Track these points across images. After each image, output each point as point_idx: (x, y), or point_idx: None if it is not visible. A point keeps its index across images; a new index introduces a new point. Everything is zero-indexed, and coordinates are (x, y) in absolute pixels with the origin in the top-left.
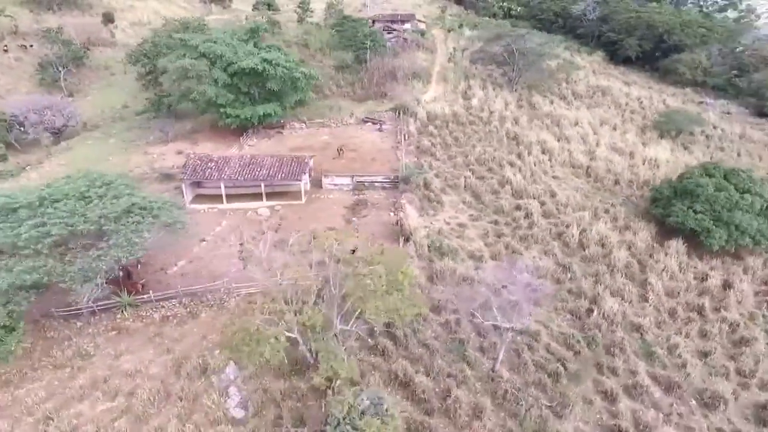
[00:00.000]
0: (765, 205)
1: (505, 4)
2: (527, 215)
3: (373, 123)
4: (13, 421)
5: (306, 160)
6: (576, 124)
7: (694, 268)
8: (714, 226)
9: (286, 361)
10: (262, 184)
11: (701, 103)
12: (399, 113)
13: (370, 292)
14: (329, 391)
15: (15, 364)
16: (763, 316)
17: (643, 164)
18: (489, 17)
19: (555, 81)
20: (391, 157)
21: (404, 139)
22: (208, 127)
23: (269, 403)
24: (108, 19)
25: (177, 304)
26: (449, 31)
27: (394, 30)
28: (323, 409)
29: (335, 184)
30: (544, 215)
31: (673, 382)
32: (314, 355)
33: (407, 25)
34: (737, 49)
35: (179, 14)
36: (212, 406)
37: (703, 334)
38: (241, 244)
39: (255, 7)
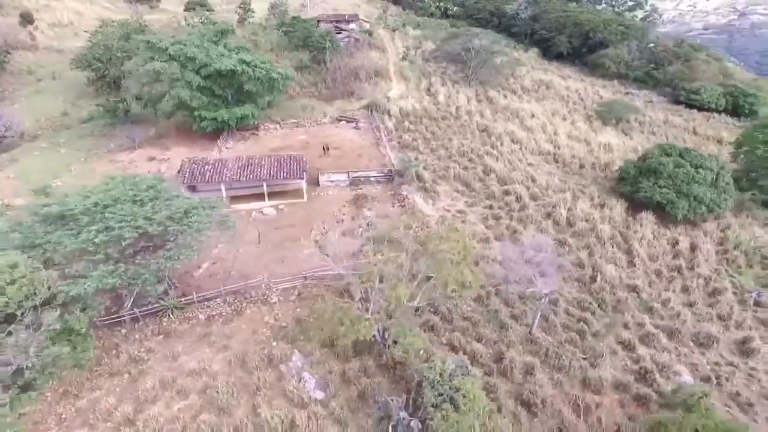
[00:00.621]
0: (714, 178)
1: (441, 3)
2: (517, 199)
3: (348, 121)
4: (89, 429)
5: (304, 159)
6: (532, 115)
7: (665, 235)
8: (677, 198)
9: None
10: (264, 184)
11: (627, 93)
12: (371, 111)
13: (448, 262)
14: (398, 365)
15: (68, 374)
16: (726, 270)
17: (599, 149)
18: (427, 17)
19: (503, 77)
20: (375, 153)
21: (384, 135)
22: (175, 132)
23: (344, 383)
24: (26, 20)
25: (222, 303)
26: (394, 30)
27: (344, 30)
28: (402, 381)
29: (332, 181)
30: (531, 198)
31: (674, 329)
32: (382, 333)
33: (353, 25)
34: (650, 45)
35: (104, 15)
36: (293, 390)
37: (685, 289)
38: (322, 233)
39: (188, 8)
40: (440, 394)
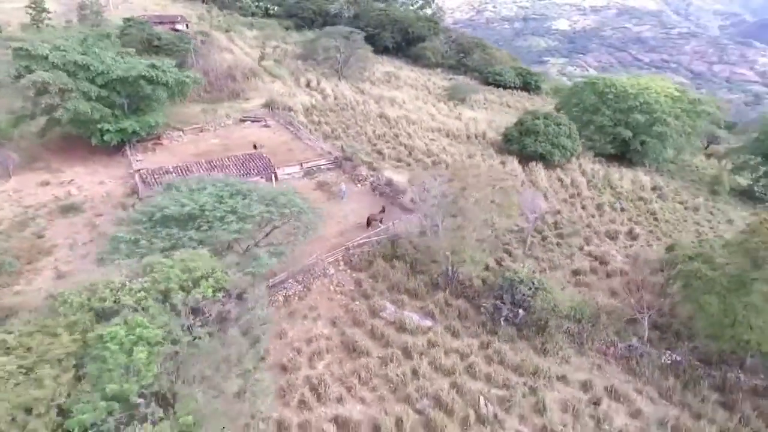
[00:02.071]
0: (567, 131)
1: (261, 3)
2: (447, 166)
3: (253, 121)
4: None
5: (265, 156)
6: (404, 101)
7: (551, 175)
8: (552, 149)
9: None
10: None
11: (450, 78)
12: (271, 108)
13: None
14: (469, 288)
15: None
16: (599, 191)
17: (471, 122)
18: (248, 16)
19: (362, 71)
20: (301, 146)
21: (302, 129)
22: (58, 150)
23: (440, 313)
24: None
25: (294, 283)
26: (227, 31)
27: (178, 31)
28: (477, 297)
29: (288, 174)
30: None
31: (610, 230)
32: (453, 266)
33: (180, 27)
34: (452, 38)
35: None
36: (408, 323)
37: (583, 207)
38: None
39: None
40: (531, 287)
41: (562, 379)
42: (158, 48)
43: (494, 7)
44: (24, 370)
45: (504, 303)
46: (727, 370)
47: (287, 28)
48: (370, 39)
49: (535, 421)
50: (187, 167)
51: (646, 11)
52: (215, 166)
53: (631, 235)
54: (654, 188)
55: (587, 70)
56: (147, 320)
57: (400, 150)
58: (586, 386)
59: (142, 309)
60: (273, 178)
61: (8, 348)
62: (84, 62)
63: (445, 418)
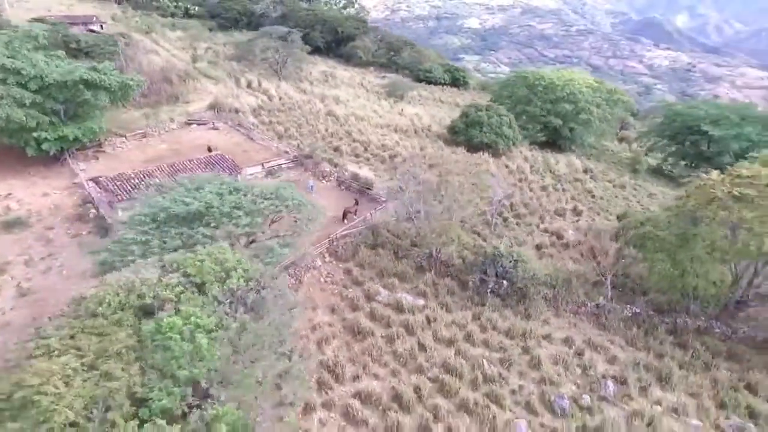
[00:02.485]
0: (508, 122)
1: (181, 3)
2: (404, 158)
3: (199, 124)
4: None
5: (228, 157)
6: (348, 100)
7: (498, 163)
8: (497, 138)
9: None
10: None
11: (384, 77)
12: (216, 111)
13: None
14: (452, 266)
15: None
16: (541, 175)
17: (415, 118)
18: (167, 17)
19: (298, 70)
20: (256, 147)
21: (253, 129)
22: None
23: (426, 289)
24: None
25: (286, 276)
26: (147, 33)
27: (95, 32)
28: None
29: (251, 174)
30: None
31: (558, 209)
32: (437, 248)
33: (94, 28)
34: (380, 37)
35: None
36: (407, 304)
37: (531, 189)
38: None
39: None
40: (511, 260)
41: (547, 337)
42: (77, 51)
43: (408, 6)
44: (86, 367)
45: (489, 276)
46: (677, 317)
47: (211, 29)
48: (284, 39)
49: (533, 375)
50: (150, 173)
51: (547, 10)
52: (178, 170)
53: (576, 212)
54: (585, 170)
55: (499, 66)
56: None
57: (355, 146)
58: (568, 342)
59: (187, 300)
60: (238, 179)
61: (54, 350)
62: (13, 66)
63: (457, 381)
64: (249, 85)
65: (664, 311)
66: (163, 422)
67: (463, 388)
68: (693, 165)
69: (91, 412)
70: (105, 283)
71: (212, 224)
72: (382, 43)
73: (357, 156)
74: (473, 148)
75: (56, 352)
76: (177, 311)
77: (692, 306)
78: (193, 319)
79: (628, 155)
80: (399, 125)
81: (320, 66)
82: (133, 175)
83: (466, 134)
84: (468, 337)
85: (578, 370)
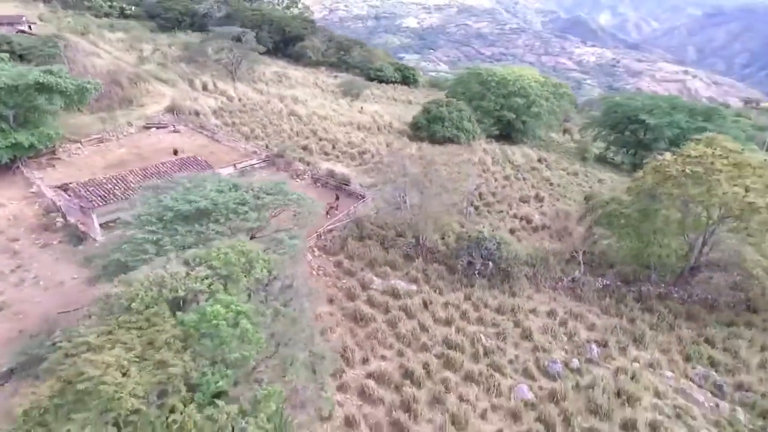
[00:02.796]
0: (468, 116)
1: (116, 3)
2: (374, 155)
3: (158, 127)
4: None
5: (200, 158)
6: (306, 100)
7: (461, 155)
8: (458, 132)
9: None
10: None
11: (336, 76)
12: (175, 113)
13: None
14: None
15: None
16: (502, 166)
17: (376, 115)
18: (101, 17)
19: (251, 71)
20: (222, 148)
21: (216, 131)
22: None
23: (417, 275)
24: None
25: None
26: (83, 34)
27: (25, 33)
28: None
29: (224, 175)
30: (379, 152)
31: (522, 196)
32: (422, 236)
33: (23, 28)
34: (329, 37)
35: None
36: (402, 290)
37: (495, 179)
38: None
39: None
40: (494, 243)
41: (533, 311)
42: (11, 54)
43: (346, 6)
44: (137, 359)
45: (475, 259)
46: (641, 285)
47: (152, 30)
48: (238, 39)
49: (526, 345)
50: (122, 177)
51: (482, 9)
52: (152, 174)
53: (538, 198)
54: (539, 160)
55: (438, 65)
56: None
57: (323, 144)
58: (551, 314)
59: (217, 291)
60: None
61: (95, 346)
62: None
63: (460, 355)
64: (204, 87)
65: (630, 281)
66: (222, 402)
67: (466, 361)
68: (633, 152)
69: (150, 399)
70: (126, 282)
71: (221, 220)
72: (332, 43)
73: (326, 154)
74: (436, 142)
75: (97, 348)
76: (217, 301)
77: (653, 275)
78: (233, 306)
79: (573, 145)
80: (361, 123)
81: (272, 67)
82: (105, 180)
83: (428, 129)
84: (463, 316)
85: (564, 338)
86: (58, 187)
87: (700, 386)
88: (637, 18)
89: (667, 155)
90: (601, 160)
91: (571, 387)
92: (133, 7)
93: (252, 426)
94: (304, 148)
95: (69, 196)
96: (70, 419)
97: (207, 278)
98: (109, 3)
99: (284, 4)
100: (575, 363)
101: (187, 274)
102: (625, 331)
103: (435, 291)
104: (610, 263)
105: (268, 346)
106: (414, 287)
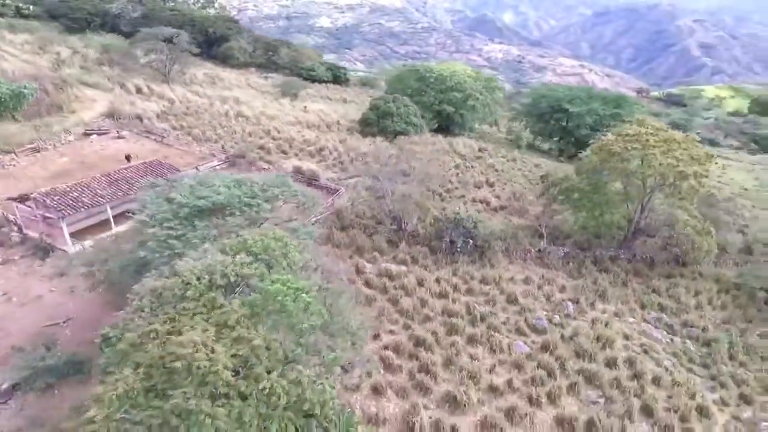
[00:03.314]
0: (414, 111)
1: (9, 2)
2: (332, 151)
3: (99, 134)
4: None
5: (163, 162)
6: (247, 101)
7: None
8: (407, 126)
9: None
10: None
11: (266, 77)
12: (115, 118)
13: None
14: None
15: None
16: (451, 156)
17: (321, 113)
18: None
19: (178, 73)
20: (175, 152)
21: (165, 135)
22: None
23: (405, 257)
24: None
25: None
26: None
27: None
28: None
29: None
30: (335, 148)
31: (476, 182)
32: (402, 221)
33: None
34: (253, 37)
35: None
36: (395, 271)
37: (447, 169)
38: None
39: None
40: (471, 222)
41: (512, 279)
42: None
43: (255, 5)
44: (215, 338)
45: (457, 238)
46: (594, 251)
47: (59, 32)
48: (169, 40)
49: (513, 308)
50: (87, 184)
51: (393, 8)
52: (117, 180)
53: (489, 183)
54: (480, 149)
55: (355, 64)
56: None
57: (279, 143)
58: (527, 280)
59: (262, 275)
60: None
61: (171, 331)
62: None
63: (460, 321)
64: (139, 90)
65: (585, 248)
66: (300, 367)
67: (466, 326)
68: (558, 139)
69: (238, 372)
70: (176, 273)
71: (236, 213)
72: (258, 44)
73: (285, 152)
74: (387, 137)
75: (174, 333)
76: (274, 281)
77: (603, 242)
78: (290, 284)
79: (502, 136)
80: (309, 121)
81: (201, 68)
82: (69, 189)
83: (378, 125)
84: (455, 289)
85: (543, 299)
86: (12, 199)
87: (656, 327)
88: (536, 17)
89: (609, 135)
90: (530, 147)
91: (558, 338)
92: (30, 7)
93: (327, 386)
94: (261, 147)
95: (29, 207)
96: (166, 396)
97: (252, 263)
98: (2, 2)
99: (200, 4)
100: (557, 319)
101: (233, 261)
102: (590, 289)
103: (425, 269)
104: (566, 234)
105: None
106: (404, 268)
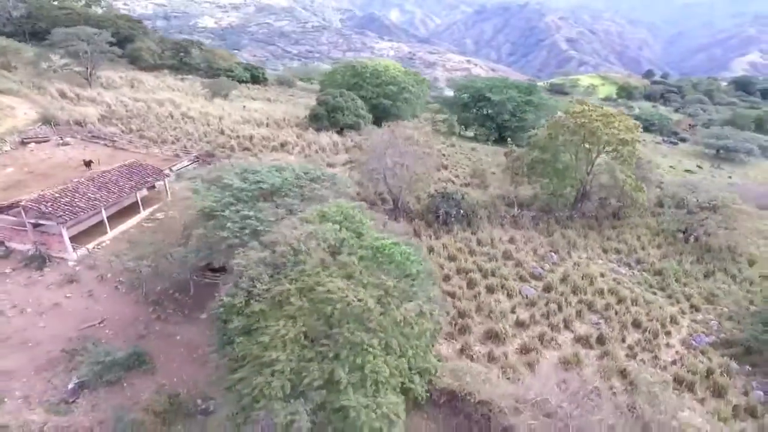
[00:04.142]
0: (362, 105)
1: None
2: (294, 146)
3: (38, 142)
4: None
5: (143, 164)
6: (182, 102)
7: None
8: (357, 119)
9: None
10: (137, 195)
11: (182, 79)
12: (52, 125)
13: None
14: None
15: None
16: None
17: (259, 111)
18: None
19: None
20: (134, 155)
21: (115, 139)
22: None
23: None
24: None
25: None
26: None
27: None
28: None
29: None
30: (294, 144)
31: (444, 164)
32: (401, 200)
33: None
34: (158, 38)
35: None
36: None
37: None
38: None
39: None
40: (459, 194)
41: (500, 240)
42: None
43: (126, 4)
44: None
45: (450, 209)
46: (555, 213)
47: None
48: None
49: (510, 262)
50: (74, 188)
51: (280, 7)
52: (103, 183)
53: (444, 166)
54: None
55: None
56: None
57: (241, 141)
58: (512, 240)
59: (356, 237)
60: (165, 180)
61: (294, 291)
62: None
63: (477, 276)
64: (63, 95)
65: (547, 211)
66: (420, 302)
67: (482, 279)
68: (481, 125)
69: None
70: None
71: (291, 195)
72: (166, 44)
73: (248, 150)
74: (339, 130)
75: (315, 285)
76: (376, 238)
77: (558, 205)
78: (389, 241)
79: (429, 127)
80: (257, 119)
81: (113, 71)
82: (59, 195)
83: (329, 119)
84: (459, 251)
85: (531, 253)
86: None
87: (618, 265)
88: (422, 15)
89: (560, 113)
90: (461, 137)
91: (554, 280)
92: None
93: (437, 314)
94: (223, 146)
95: (12, 217)
96: (327, 336)
97: (342, 230)
98: None
99: (83, 2)
100: (547, 266)
101: (329, 227)
102: (563, 243)
103: (429, 239)
104: (529, 202)
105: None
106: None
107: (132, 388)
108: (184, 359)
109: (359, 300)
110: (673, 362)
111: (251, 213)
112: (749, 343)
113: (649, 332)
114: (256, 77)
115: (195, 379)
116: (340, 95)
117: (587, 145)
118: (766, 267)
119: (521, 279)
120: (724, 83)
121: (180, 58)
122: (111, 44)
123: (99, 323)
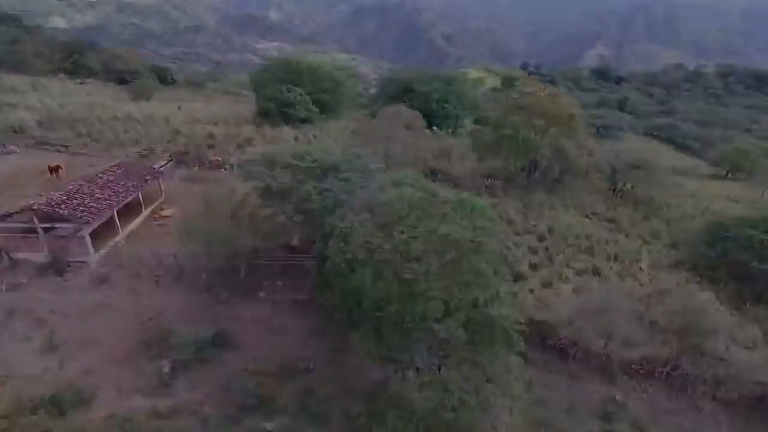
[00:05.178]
0: (309, 99)
1: None
2: (260, 142)
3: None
4: None
5: (134, 164)
6: (112, 105)
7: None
8: (309, 114)
9: None
10: (140, 194)
11: (81, 83)
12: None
13: None
14: None
15: None
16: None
17: (199, 111)
18: None
19: None
20: (96, 159)
21: (69, 145)
22: None
23: None
24: None
25: None
26: None
27: None
28: None
29: None
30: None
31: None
32: None
33: None
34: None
35: None
36: None
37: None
38: None
39: None
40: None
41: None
42: None
43: None
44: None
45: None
46: (517, 181)
47: None
48: None
49: (501, 222)
50: (78, 189)
51: (145, 7)
52: (104, 183)
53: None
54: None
55: None
56: None
57: (207, 140)
58: (493, 205)
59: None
60: (159, 181)
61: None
62: None
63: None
64: None
65: (511, 180)
66: (513, 249)
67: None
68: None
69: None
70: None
71: (347, 172)
72: (54, 46)
73: (213, 147)
74: (293, 125)
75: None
76: (456, 194)
77: (516, 175)
78: (470, 202)
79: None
80: (206, 118)
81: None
82: (66, 197)
83: (282, 114)
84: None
85: (514, 213)
86: (9, 215)
87: (582, 217)
88: (302, 14)
89: (514, 95)
90: None
91: (544, 231)
92: None
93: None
94: (186, 145)
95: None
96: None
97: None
98: None
99: None
100: (532, 222)
101: (414, 191)
102: (534, 204)
103: None
104: (495, 174)
105: None
106: None
107: (223, 365)
108: (261, 334)
109: (479, 239)
110: (650, 280)
111: (329, 186)
112: (696, 260)
113: (626, 262)
114: (164, 79)
115: (280, 348)
116: (289, 90)
117: (541, 121)
118: (684, 211)
119: (516, 234)
120: (585, 72)
121: (74, 61)
122: None
123: (158, 315)
